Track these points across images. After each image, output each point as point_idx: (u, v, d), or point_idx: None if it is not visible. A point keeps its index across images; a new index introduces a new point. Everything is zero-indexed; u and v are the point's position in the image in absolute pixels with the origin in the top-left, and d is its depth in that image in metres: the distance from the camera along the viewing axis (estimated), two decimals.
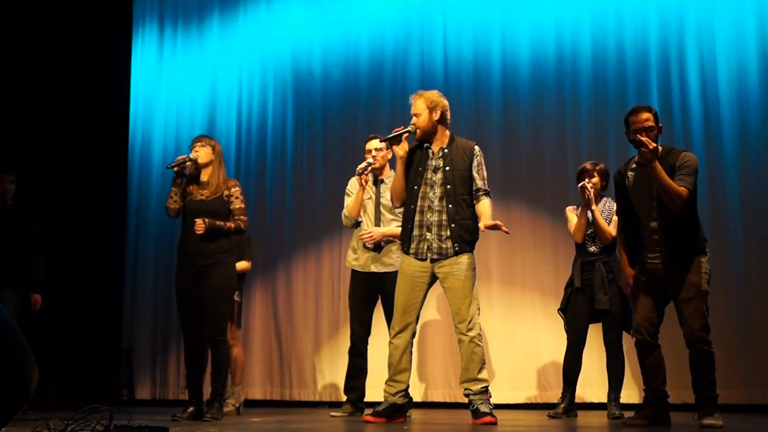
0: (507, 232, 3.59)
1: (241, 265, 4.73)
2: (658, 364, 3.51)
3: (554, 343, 5.30)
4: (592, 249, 4.33)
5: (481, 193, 3.69)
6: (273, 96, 6.49)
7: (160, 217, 6.47)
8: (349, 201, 4.42)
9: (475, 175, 3.65)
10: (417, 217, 3.63)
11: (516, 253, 5.73)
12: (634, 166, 3.56)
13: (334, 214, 5.88)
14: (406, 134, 3.67)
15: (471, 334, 3.53)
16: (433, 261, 3.59)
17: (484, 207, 3.65)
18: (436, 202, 3.58)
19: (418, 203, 3.62)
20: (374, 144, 4.34)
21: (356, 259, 4.39)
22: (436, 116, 3.65)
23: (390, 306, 4.01)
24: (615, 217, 4.22)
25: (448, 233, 3.55)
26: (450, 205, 3.55)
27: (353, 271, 4.44)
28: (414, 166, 3.68)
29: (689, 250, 3.45)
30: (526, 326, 5.64)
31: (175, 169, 4.09)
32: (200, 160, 4.13)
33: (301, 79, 6.45)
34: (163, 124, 6.72)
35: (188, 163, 4.11)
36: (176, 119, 6.70)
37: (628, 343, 4.22)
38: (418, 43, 6.17)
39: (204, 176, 4.16)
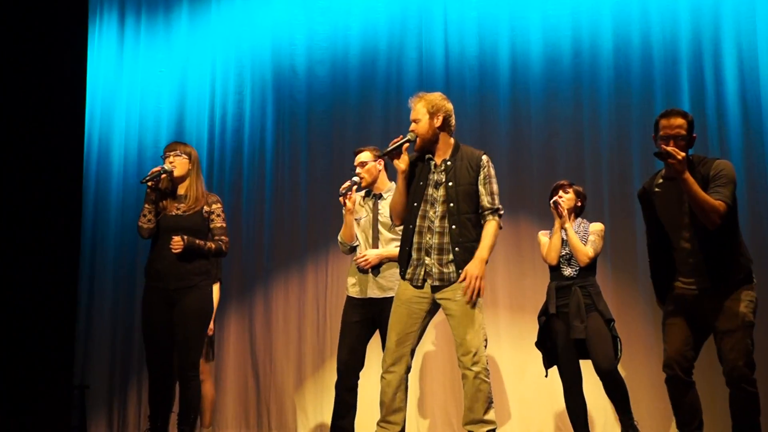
0: (474, 294, 3.49)
1: (218, 292, 4.79)
2: (692, 405, 3.47)
3: None
4: (568, 272, 4.37)
5: (487, 212, 3.63)
6: (250, 96, 6.45)
7: (120, 233, 6.44)
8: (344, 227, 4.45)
9: (482, 190, 3.60)
10: (415, 239, 3.61)
11: (526, 275, 5.71)
12: (660, 180, 3.55)
13: (319, 231, 6.08)
14: (407, 144, 3.64)
15: (476, 368, 3.49)
16: (434, 289, 3.57)
17: (484, 236, 3.57)
18: (437, 222, 3.57)
19: (417, 222, 3.60)
20: (363, 157, 4.35)
21: (354, 284, 4.38)
22: (438, 122, 3.62)
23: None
24: (592, 237, 4.36)
25: (451, 257, 3.54)
26: (453, 226, 3.53)
27: (348, 297, 4.42)
28: (414, 181, 3.66)
29: (731, 274, 3.42)
30: (538, 358, 5.05)
31: (150, 183, 4.08)
32: (176, 173, 4.15)
33: (282, 77, 6.41)
34: (125, 127, 6.62)
35: (163, 176, 4.12)
36: (139, 122, 6.62)
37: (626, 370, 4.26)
38: (416, 37, 6.15)
39: (180, 189, 4.19)
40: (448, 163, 3.61)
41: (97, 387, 6.27)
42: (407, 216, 3.64)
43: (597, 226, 4.47)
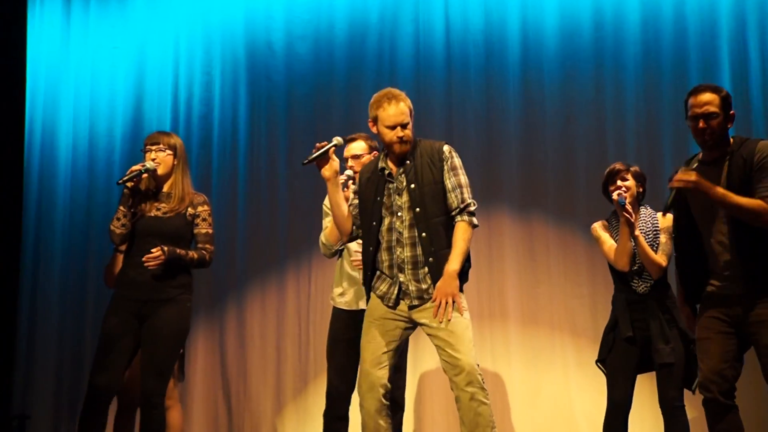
0: (445, 316, 3.48)
1: None
2: (734, 431, 3.41)
3: (591, 400, 5.24)
4: (642, 289, 4.22)
5: (455, 212, 3.61)
6: (220, 77, 6.41)
7: (68, 239, 6.33)
8: (326, 222, 4.38)
9: (447, 185, 3.60)
10: (384, 256, 3.63)
11: (540, 282, 5.69)
12: (696, 165, 3.52)
13: (301, 233, 6.01)
14: (332, 148, 3.72)
15: (471, 389, 3.46)
16: (411, 308, 3.59)
17: (454, 243, 3.56)
18: (406, 233, 3.57)
19: (384, 238, 3.62)
20: (355, 149, 4.33)
21: (342, 294, 4.36)
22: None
23: None
24: (663, 238, 4.17)
25: (426, 270, 3.54)
26: (423, 234, 3.53)
27: (336, 310, 4.41)
28: (367, 198, 3.70)
29: None
30: (555, 378, 5.58)
31: (129, 184, 4.04)
32: (160, 171, 4.13)
33: (257, 55, 6.37)
34: (72, 113, 6.50)
35: (144, 176, 4.10)
36: (90, 107, 6.50)
37: (690, 401, 4.19)
38: (412, 7, 6.12)
39: (164, 187, 4.19)
40: (407, 163, 3.61)
41: (39, 417, 6.13)
42: (365, 238, 3.67)
43: (667, 221, 4.23)
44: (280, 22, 6.30)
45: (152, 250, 3.94)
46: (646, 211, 4.31)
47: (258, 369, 6.02)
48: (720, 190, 3.29)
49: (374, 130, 3.68)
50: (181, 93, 6.41)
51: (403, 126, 3.61)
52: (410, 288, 3.57)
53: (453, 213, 3.59)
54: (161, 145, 4.12)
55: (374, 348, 3.58)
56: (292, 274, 6.06)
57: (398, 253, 3.58)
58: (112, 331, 4.02)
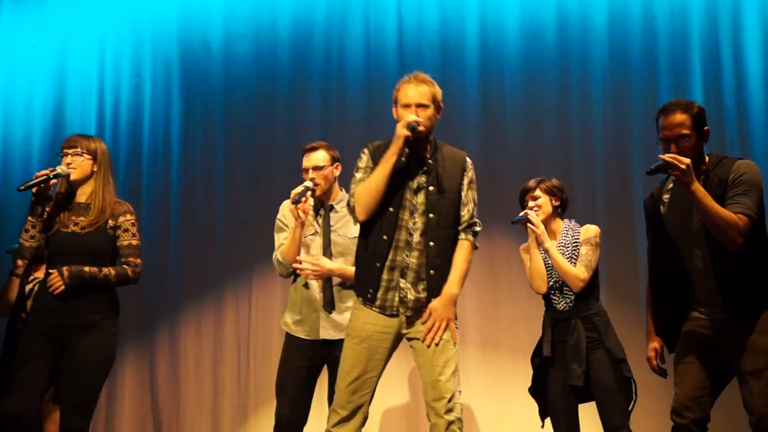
0: (434, 340, 3.54)
1: None
2: None
3: None
4: (562, 305, 4.30)
5: (462, 227, 3.65)
6: (151, 80, 6.36)
7: None
8: (282, 239, 4.33)
9: (464, 197, 3.66)
10: (390, 255, 3.58)
11: (501, 303, 5.72)
12: (671, 185, 3.54)
13: (240, 251, 6.02)
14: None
15: (450, 416, 3.49)
16: (408, 319, 3.59)
17: (456, 263, 3.62)
18: (416, 237, 3.57)
19: (394, 234, 3.57)
20: (316, 159, 4.30)
21: (300, 323, 4.30)
22: (440, 115, 3.70)
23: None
24: (583, 250, 4.24)
25: (425, 283, 3.58)
26: (431, 242, 3.55)
27: (290, 336, 4.33)
28: (392, 177, 3.61)
29: (756, 300, 3.40)
30: (520, 408, 5.54)
31: (33, 190, 3.91)
32: (74, 176, 4.00)
33: (192, 56, 6.34)
34: None
35: (53, 181, 3.96)
36: (3, 111, 6.44)
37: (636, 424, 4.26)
38: (362, 4, 6.15)
39: (81, 196, 4.05)
40: (429, 162, 3.62)
41: None
42: (380, 223, 3.59)
43: (589, 231, 4.35)
44: (218, 19, 6.27)
45: (51, 272, 3.85)
46: (568, 224, 4.39)
47: (193, 401, 5.96)
48: (701, 188, 3.27)
49: (395, 114, 3.64)
50: (107, 97, 6.35)
51: (421, 107, 3.58)
52: (408, 297, 3.55)
53: (461, 227, 3.62)
54: (78, 149, 4.01)
55: (360, 372, 3.56)
56: (230, 296, 6.03)
57: (404, 255, 3.56)
58: (25, 352, 3.93)
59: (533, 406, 5.30)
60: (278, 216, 4.41)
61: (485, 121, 5.91)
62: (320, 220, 4.33)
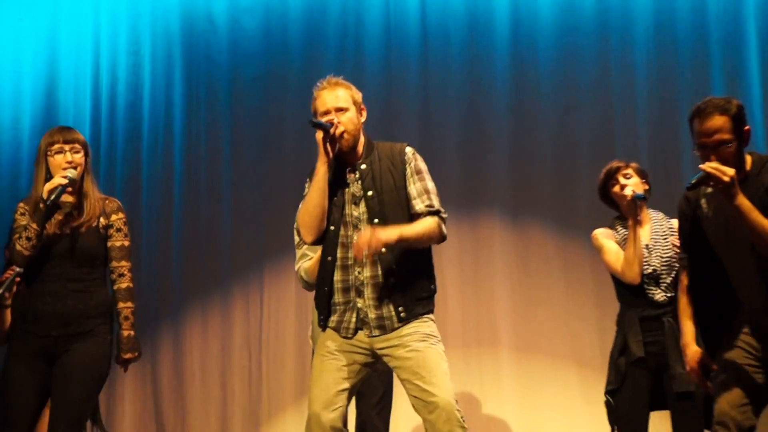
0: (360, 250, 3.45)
1: None
2: None
3: None
4: (659, 296, 4.23)
5: (423, 217, 3.64)
6: (150, 58, 6.36)
7: None
8: (305, 248, 4.22)
9: (411, 191, 3.65)
10: (337, 276, 3.64)
11: (539, 304, 5.70)
12: (709, 190, 3.48)
13: (249, 245, 6.03)
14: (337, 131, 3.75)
15: (449, 427, 3.47)
16: (372, 337, 3.61)
17: (416, 224, 3.58)
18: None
19: (337, 253, 3.62)
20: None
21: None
22: (363, 116, 3.73)
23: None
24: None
25: (388, 294, 3.58)
26: (383, 250, 3.52)
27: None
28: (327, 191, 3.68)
29: None
30: (557, 418, 5.59)
31: (49, 202, 3.88)
32: (77, 176, 4.01)
33: (195, 30, 6.34)
34: None
35: (68, 189, 3.96)
36: None
37: None
38: None
39: (68, 195, 4.05)
40: (363, 167, 3.66)
41: None
42: (324, 243, 3.66)
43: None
44: None
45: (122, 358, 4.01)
46: (656, 214, 4.37)
47: (199, 410, 5.96)
48: (746, 202, 3.23)
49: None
50: (103, 76, 6.34)
51: (340, 111, 3.61)
52: (369, 315, 3.57)
53: (420, 218, 3.61)
54: (74, 145, 4.00)
55: (325, 386, 3.57)
56: (239, 295, 6.03)
57: (356, 273, 3.60)
58: (13, 379, 3.92)
59: (573, 415, 5.58)
60: (295, 226, 4.25)
61: (516, 101, 5.89)
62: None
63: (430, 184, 3.66)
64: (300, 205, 3.68)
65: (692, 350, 3.56)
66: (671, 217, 4.29)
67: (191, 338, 6.06)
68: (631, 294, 4.27)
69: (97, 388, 4.04)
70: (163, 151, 6.24)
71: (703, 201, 3.51)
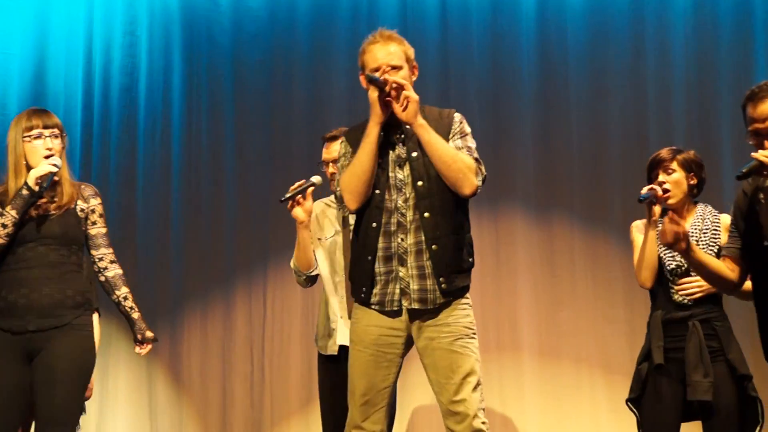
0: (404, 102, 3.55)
1: (97, 327, 4.51)
2: None
3: None
4: (679, 296, 4.18)
5: None
6: (148, 39, 6.35)
7: None
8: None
9: (452, 145, 3.69)
10: (380, 243, 3.59)
11: (563, 304, 5.71)
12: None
13: (253, 242, 6.06)
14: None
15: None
16: (412, 314, 3.59)
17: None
18: (409, 215, 3.59)
19: (383, 218, 3.60)
20: (335, 150, 4.28)
21: (324, 337, 4.40)
22: (415, 76, 3.71)
23: None
24: (724, 237, 4.04)
25: (430, 262, 3.56)
26: (426, 213, 3.56)
27: (319, 354, 4.44)
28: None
29: None
30: (583, 427, 5.59)
31: (44, 184, 3.94)
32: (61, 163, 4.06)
33: (196, 9, 6.34)
34: None
35: (56, 178, 4.02)
36: None
37: None
38: None
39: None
40: (408, 128, 3.64)
41: None
42: (368, 210, 3.65)
43: (727, 219, 4.15)
44: None
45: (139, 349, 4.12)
46: (703, 208, 4.28)
47: (197, 416, 5.97)
48: None
49: (364, 83, 3.65)
50: (96, 58, 6.34)
51: (394, 69, 3.58)
52: (411, 286, 3.54)
53: None
54: (53, 128, 4.01)
55: (368, 384, 3.58)
56: (242, 294, 6.02)
57: (399, 240, 3.56)
58: None
59: (600, 424, 5.59)
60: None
61: (542, 85, 5.88)
62: (341, 218, 4.38)
63: (473, 144, 3.66)
64: (344, 169, 3.64)
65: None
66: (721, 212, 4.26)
67: (190, 340, 6.06)
68: (657, 293, 4.26)
69: (84, 385, 4.01)
70: (160, 139, 6.22)
71: (761, 195, 3.42)
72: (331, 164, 4.27)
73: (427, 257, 3.56)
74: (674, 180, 4.20)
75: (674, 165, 4.22)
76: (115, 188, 6.18)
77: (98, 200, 4.12)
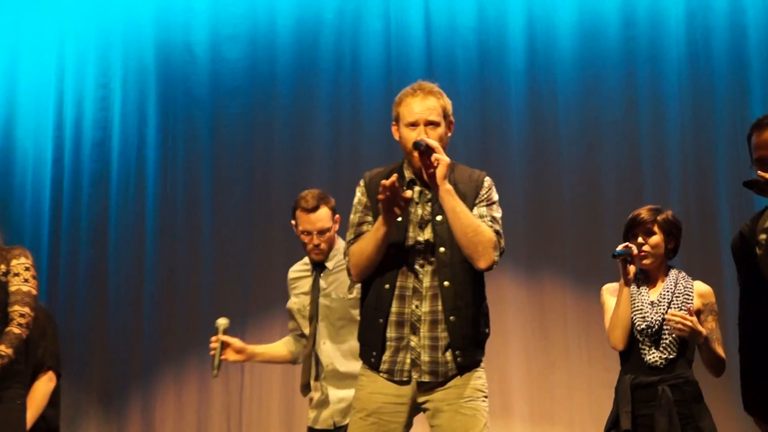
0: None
1: (42, 388, 4.53)
2: None
3: None
4: (652, 358, 4.15)
5: None
6: (122, 91, 6.37)
7: None
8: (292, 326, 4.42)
9: (476, 213, 3.58)
10: (394, 307, 3.49)
11: (555, 366, 5.73)
12: None
13: (230, 301, 5.98)
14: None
15: None
16: (420, 386, 3.49)
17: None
18: (427, 281, 3.51)
19: (397, 281, 3.48)
20: (319, 219, 4.21)
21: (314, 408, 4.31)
22: (451, 132, 3.63)
23: None
24: (712, 322, 4.17)
25: (446, 334, 3.46)
26: (445, 282, 3.46)
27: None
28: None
29: None
30: None
31: None
32: None
33: (172, 61, 6.37)
34: None
35: None
36: None
37: None
38: None
39: None
40: None
41: None
42: (378, 269, 3.55)
43: (711, 294, 4.23)
44: (204, 16, 6.27)
45: None
46: (677, 274, 4.28)
47: None
48: None
49: (396, 135, 3.58)
50: (67, 111, 6.35)
51: (431, 125, 3.49)
52: (422, 357, 3.47)
53: None
54: None
55: None
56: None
57: (413, 306, 3.50)
58: None
59: None
60: (288, 305, 4.41)
61: (533, 138, 5.90)
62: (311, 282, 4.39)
63: (498, 214, 3.57)
64: (357, 242, 3.54)
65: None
66: (707, 275, 4.31)
67: (163, 408, 6.00)
68: (625, 354, 4.24)
69: None
70: (134, 196, 6.21)
71: (762, 237, 3.40)
72: (314, 235, 4.19)
73: (443, 328, 3.49)
74: (654, 242, 4.21)
75: (655, 227, 4.23)
76: (86, 247, 6.16)
77: (21, 260, 4.10)
